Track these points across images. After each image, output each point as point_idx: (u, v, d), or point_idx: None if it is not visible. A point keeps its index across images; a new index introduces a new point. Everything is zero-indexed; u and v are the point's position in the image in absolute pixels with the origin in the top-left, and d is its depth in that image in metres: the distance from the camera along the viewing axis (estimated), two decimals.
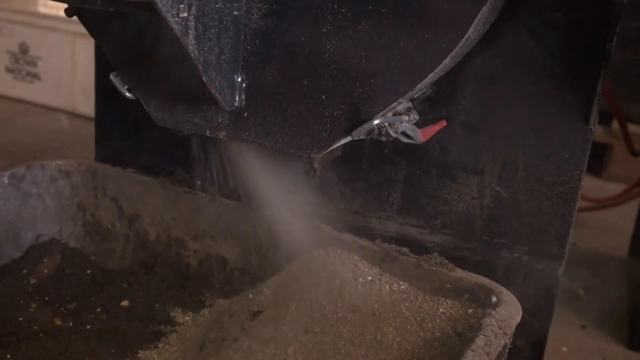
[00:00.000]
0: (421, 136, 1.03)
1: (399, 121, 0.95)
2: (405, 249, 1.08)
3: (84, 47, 3.29)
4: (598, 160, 3.05)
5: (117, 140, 1.43)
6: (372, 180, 1.21)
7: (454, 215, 1.17)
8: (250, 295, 1.14)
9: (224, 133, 1.00)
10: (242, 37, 0.93)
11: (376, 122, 0.90)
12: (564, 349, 1.52)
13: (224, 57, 0.90)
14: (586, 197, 2.43)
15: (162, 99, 1.02)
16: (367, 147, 1.20)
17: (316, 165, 1.16)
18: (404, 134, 0.99)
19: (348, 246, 1.09)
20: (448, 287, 1.00)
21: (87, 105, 3.30)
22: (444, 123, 1.11)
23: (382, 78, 0.87)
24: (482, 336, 0.85)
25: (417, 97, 1.10)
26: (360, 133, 0.91)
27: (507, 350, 0.92)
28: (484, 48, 1.06)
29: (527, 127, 1.08)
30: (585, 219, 2.42)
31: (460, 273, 1.02)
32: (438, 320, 0.96)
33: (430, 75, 0.86)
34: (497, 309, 0.92)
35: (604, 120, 3.09)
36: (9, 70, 3.62)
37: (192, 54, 0.83)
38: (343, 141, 0.97)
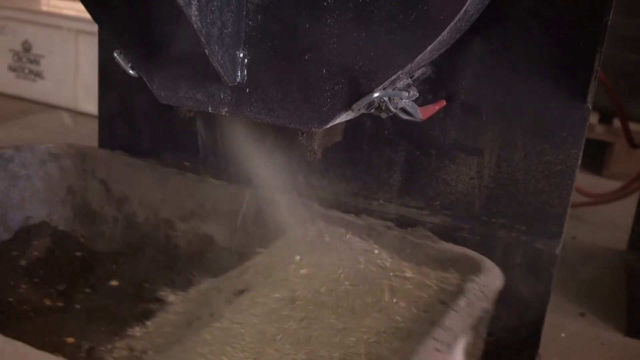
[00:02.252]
0: (421, 114, 1.04)
1: (398, 96, 0.97)
2: (390, 223, 1.09)
3: (87, 45, 3.31)
4: (599, 158, 3.06)
5: (120, 125, 1.44)
6: (373, 162, 1.22)
7: (453, 195, 1.18)
8: (236, 274, 1.15)
9: (226, 109, 1.01)
10: (245, 12, 0.94)
11: (376, 95, 0.91)
12: (563, 335, 1.53)
13: (226, 31, 0.92)
14: (586, 192, 2.44)
15: (165, 76, 1.04)
16: (367, 128, 1.21)
17: (316, 147, 1.18)
18: (403, 110, 1.00)
19: (335, 222, 1.11)
20: (433, 258, 1.02)
21: (89, 103, 3.32)
22: (443, 102, 1.12)
23: (381, 51, 0.89)
24: (464, 298, 0.87)
25: (417, 77, 1.12)
26: (360, 106, 0.93)
27: (489, 317, 0.93)
28: (483, 28, 1.07)
29: (526, 106, 1.09)
30: (585, 213, 2.43)
31: (444, 245, 1.05)
32: (423, 291, 0.97)
33: (429, 48, 0.87)
34: (479, 276, 0.94)
35: (605, 118, 3.11)
36: (12, 68, 3.64)
37: (195, 25, 0.85)
38: (344, 116, 0.98)
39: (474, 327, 0.88)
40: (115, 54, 1.06)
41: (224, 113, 1.02)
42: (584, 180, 2.76)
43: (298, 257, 1.07)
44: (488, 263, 0.98)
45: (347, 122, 1.19)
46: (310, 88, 0.95)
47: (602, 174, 3.06)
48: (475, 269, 0.98)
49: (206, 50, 0.89)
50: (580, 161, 1.09)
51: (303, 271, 1.04)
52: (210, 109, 1.02)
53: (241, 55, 0.97)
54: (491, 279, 0.95)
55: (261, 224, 1.19)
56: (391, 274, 1.01)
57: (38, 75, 3.55)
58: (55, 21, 3.39)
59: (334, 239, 1.08)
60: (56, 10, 3.43)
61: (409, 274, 1.01)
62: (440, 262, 1.01)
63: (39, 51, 3.52)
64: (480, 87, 1.11)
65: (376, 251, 1.05)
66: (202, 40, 0.87)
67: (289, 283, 1.04)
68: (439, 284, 0.98)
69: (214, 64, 0.92)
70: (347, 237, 1.08)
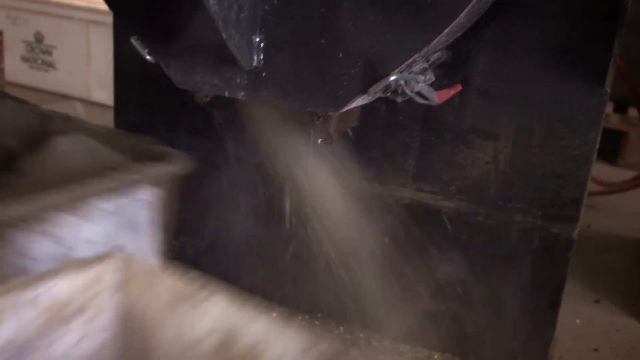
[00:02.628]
0: (437, 98, 1.04)
1: (415, 80, 0.97)
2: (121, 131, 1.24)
3: (98, 35, 3.32)
4: (614, 147, 3.04)
5: (135, 112, 1.45)
6: (387, 148, 1.22)
7: (468, 180, 1.18)
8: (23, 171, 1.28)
9: (242, 93, 1.01)
10: None
11: (393, 78, 0.91)
12: (578, 321, 1.53)
13: (242, 15, 0.92)
14: (600, 182, 2.43)
15: (182, 61, 1.04)
16: (382, 114, 1.21)
17: (332, 131, 1.18)
18: (419, 94, 1.00)
19: (85, 131, 1.26)
20: (143, 154, 1.16)
21: (101, 93, 3.33)
22: (459, 87, 1.12)
23: (398, 34, 0.88)
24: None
25: (433, 61, 1.11)
26: (376, 89, 0.92)
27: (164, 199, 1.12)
28: (499, 12, 1.06)
29: (542, 90, 1.09)
30: (599, 202, 2.42)
31: (153, 145, 1.18)
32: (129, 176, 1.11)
33: (446, 31, 0.87)
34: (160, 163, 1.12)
35: (620, 107, 3.09)
36: (25, 59, 3.65)
37: (212, 9, 0.85)
38: (360, 100, 0.98)
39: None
40: (133, 40, 1.06)
41: (240, 97, 1.02)
42: (599, 169, 2.74)
43: (57, 158, 1.25)
44: (177, 154, 1.14)
45: (362, 107, 1.18)
46: (327, 72, 0.94)
47: (617, 164, 3.05)
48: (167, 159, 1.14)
49: (223, 35, 0.89)
50: (597, 145, 1.09)
51: (57, 169, 1.21)
52: (226, 93, 1.02)
53: (257, 39, 0.97)
54: (173, 165, 1.13)
55: (42, 137, 1.32)
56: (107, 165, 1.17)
57: (50, 65, 3.57)
58: (66, 12, 3.40)
59: (83, 142, 1.25)
60: (67, 1, 3.43)
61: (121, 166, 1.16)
62: (147, 157, 1.15)
63: (51, 42, 3.54)
64: (496, 72, 1.11)
65: (106, 151, 1.22)
66: (219, 24, 0.87)
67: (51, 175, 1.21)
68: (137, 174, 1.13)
69: (231, 48, 0.92)
70: (90, 142, 1.24)
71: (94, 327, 0.84)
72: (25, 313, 0.75)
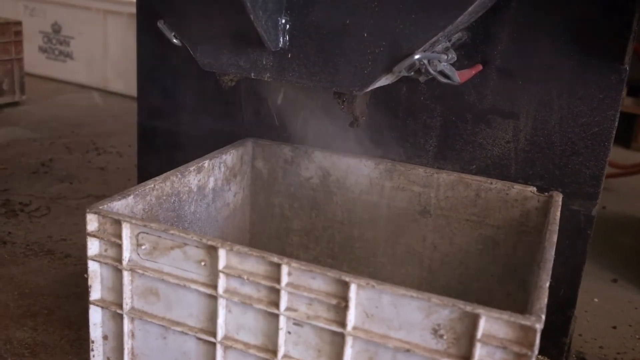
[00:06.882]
0: (458, 77, 1.06)
1: (437, 59, 0.99)
2: None
3: (116, 25, 3.35)
4: (627, 130, 3.05)
5: (158, 98, 1.47)
6: (409, 128, 1.24)
7: (489, 159, 1.20)
8: None
9: (268, 75, 1.04)
10: None
11: (417, 56, 0.93)
12: (596, 300, 1.55)
13: None
14: (615, 164, 2.44)
15: (208, 44, 1.06)
16: (403, 95, 1.23)
17: (357, 114, 1.20)
18: (442, 73, 1.02)
19: None
20: None
21: (118, 83, 3.37)
22: (479, 67, 1.14)
23: (423, 13, 0.90)
24: None
25: (454, 42, 1.13)
26: (401, 68, 0.94)
27: None
28: None
29: (562, 69, 1.11)
30: (614, 185, 2.43)
31: None
32: None
33: (469, 9, 0.89)
34: None
35: (633, 91, 3.09)
36: (42, 50, 3.69)
37: None
38: (384, 79, 1.00)
39: None
40: (159, 24, 1.09)
41: (266, 79, 1.04)
42: (613, 152, 2.75)
43: None
44: None
45: (383, 89, 1.21)
46: (352, 52, 0.97)
47: (631, 147, 3.05)
48: None
49: (251, 16, 0.91)
50: (617, 122, 1.10)
51: None
52: (252, 74, 1.05)
53: (283, 21, 0.99)
54: None
55: None
56: None
57: (68, 56, 3.61)
58: (83, 2, 3.43)
59: None
60: None
61: None
62: None
63: (69, 32, 3.58)
64: (515, 51, 1.13)
65: None
66: (247, 5, 0.90)
67: None
68: None
69: (258, 29, 0.95)
70: None
71: (242, 185, 1.33)
72: (217, 170, 1.24)
